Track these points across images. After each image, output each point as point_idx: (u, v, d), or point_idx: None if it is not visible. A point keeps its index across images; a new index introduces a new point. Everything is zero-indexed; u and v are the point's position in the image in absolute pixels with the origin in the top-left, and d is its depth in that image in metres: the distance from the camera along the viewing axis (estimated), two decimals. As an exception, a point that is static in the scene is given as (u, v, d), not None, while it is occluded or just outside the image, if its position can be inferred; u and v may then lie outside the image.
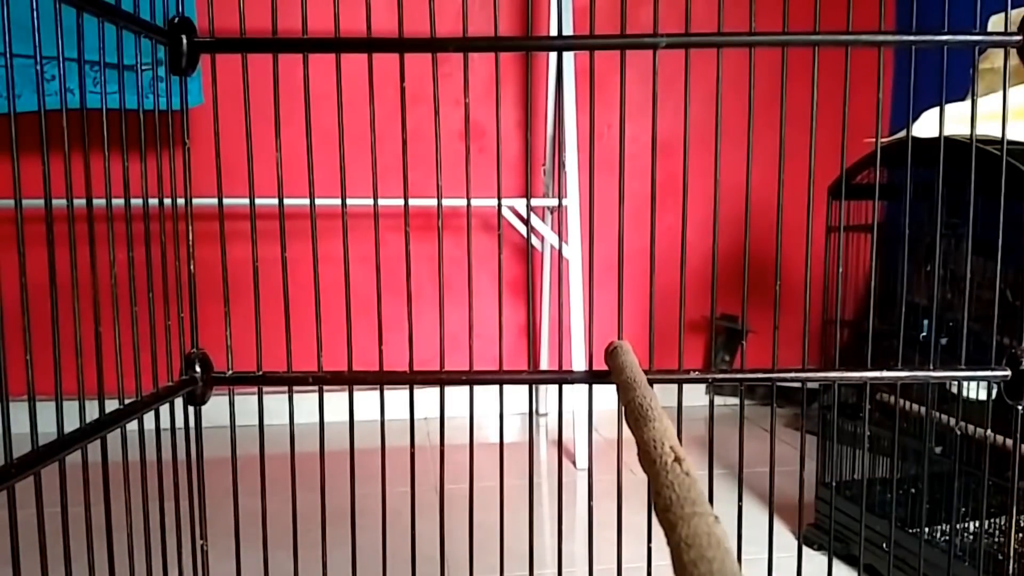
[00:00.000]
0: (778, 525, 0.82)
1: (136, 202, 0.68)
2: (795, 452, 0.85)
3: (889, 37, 0.78)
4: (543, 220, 1.92)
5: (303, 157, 0.76)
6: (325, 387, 0.79)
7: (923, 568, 0.84)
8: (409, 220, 0.78)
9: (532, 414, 0.84)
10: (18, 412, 0.51)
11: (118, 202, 0.64)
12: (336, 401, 0.78)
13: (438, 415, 0.78)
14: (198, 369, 0.78)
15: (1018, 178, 0.85)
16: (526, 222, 1.34)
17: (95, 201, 0.61)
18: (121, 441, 0.65)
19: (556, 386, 0.80)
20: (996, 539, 1.10)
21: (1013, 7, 0.78)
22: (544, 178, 1.97)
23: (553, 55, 1.73)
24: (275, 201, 0.77)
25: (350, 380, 0.78)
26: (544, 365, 1.99)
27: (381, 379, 0.79)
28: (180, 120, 0.76)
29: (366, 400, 0.80)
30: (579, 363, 1.65)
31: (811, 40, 0.76)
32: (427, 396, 0.80)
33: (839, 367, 0.81)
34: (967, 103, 0.80)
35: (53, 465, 0.56)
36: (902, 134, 0.78)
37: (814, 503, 1.29)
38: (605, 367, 0.73)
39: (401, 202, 0.77)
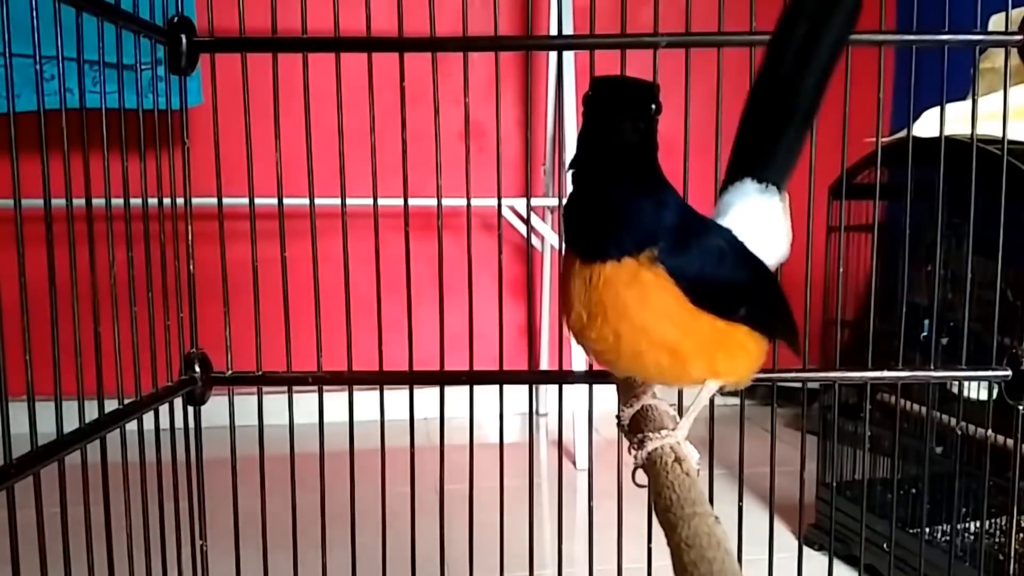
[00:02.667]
0: (778, 525, 0.82)
1: (136, 202, 0.67)
2: (795, 452, 0.85)
3: (890, 36, 0.78)
4: (543, 220, 1.92)
5: (303, 157, 0.76)
6: (325, 387, 0.79)
7: (924, 568, 0.84)
8: (409, 220, 0.78)
9: (532, 414, 0.84)
10: (17, 412, 0.51)
11: (117, 202, 0.64)
12: (336, 401, 0.78)
13: (438, 415, 0.78)
14: (197, 369, 0.78)
15: (1019, 178, 0.85)
16: (526, 222, 1.34)
17: (94, 201, 0.61)
18: (120, 441, 0.65)
19: (556, 386, 0.80)
20: (997, 539, 1.10)
21: (1013, 7, 0.77)
22: (544, 178, 1.97)
23: (553, 54, 1.73)
24: (275, 201, 0.77)
25: (350, 380, 0.78)
26: (544, 365, 1.99)
27: (381, 379, 0.79)
28: (179, 120, 0.76)
29: (366, 400, 0.80)
30: (579, 363, 1.65)
31: (811, 40, 0.75)
32: (427, 396, 0.80)
33: (840, 367, 0.81)
34: (968, 103, 0.80)
35: (52, 465, 0.56)
36: (902, 134, 0.78)
37: (815, 503, 1.28)
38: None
39: (401, 202, 0.77)
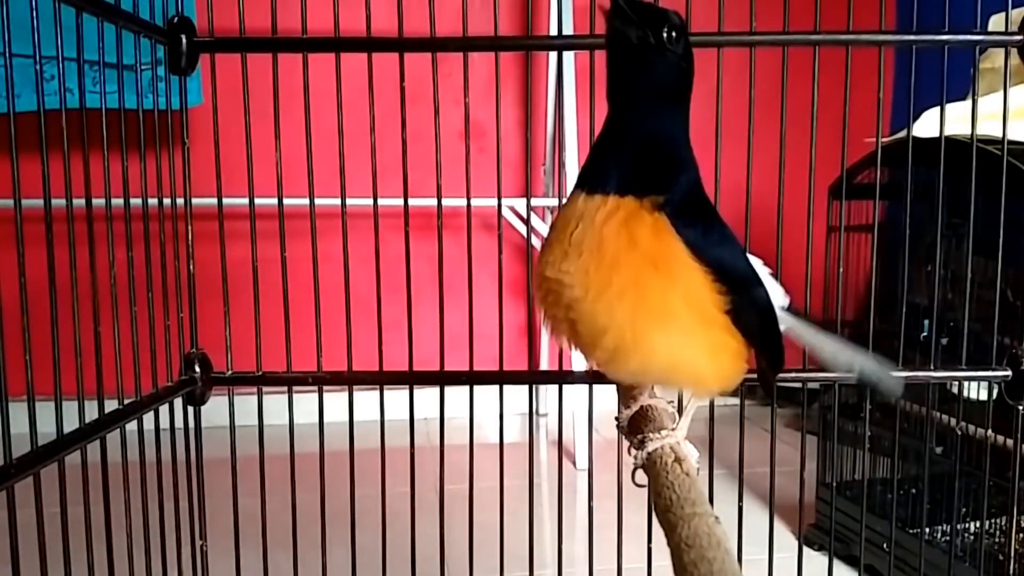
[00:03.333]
0: (778, 525, 0.82)
1: (136, 202, 0.67)
2: (795, 452, 0.85)
3: (890, 37, 0.78)
4: (543, 220, 1.92)
5: (303, 157, 0.76)
6: (325, 387, 0.79)
7: (924, 568, 0.84)
8: (409, 220, 0.78)
9: (532, 414, 0.84)
10: (17, 412, 0.51)
11: (117, 202, 0.64)
12: (336, 401, 0.78)
13: (438, 415, 0.78)
14: (197, 369, 0.77)
15: (1018, 178, 0.85)
16: (526, 222, 1.34)
17: (94, 201, 0.61)
18: (120, 441, 0.65)
19: (556, 386, 0.80)
20: (997, 539, 1.10)
21: (1013, 7, 0.77)
22: (544, 178, 1.97)
23: (553, 54, 1.73)
24: (275, 201, 0.77)
25: (350, 380, 0.78)
26: (544, 365, 1.98)
27: (381, 379, 0.79)
28: (179, 120, 0.76)
29: (366, 400, 0.80)
30: (579, 363, 1.65)
31: (812, 40, 0.76)
32: (427, 396, 0.80)
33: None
34: (968, 103, 0.80)
35: (52, 465, 0.56)
36: (903, 134, 0.78)
37: (815, 503, 1.28)
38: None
39: (401, 202, 0.77)
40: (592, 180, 0.48)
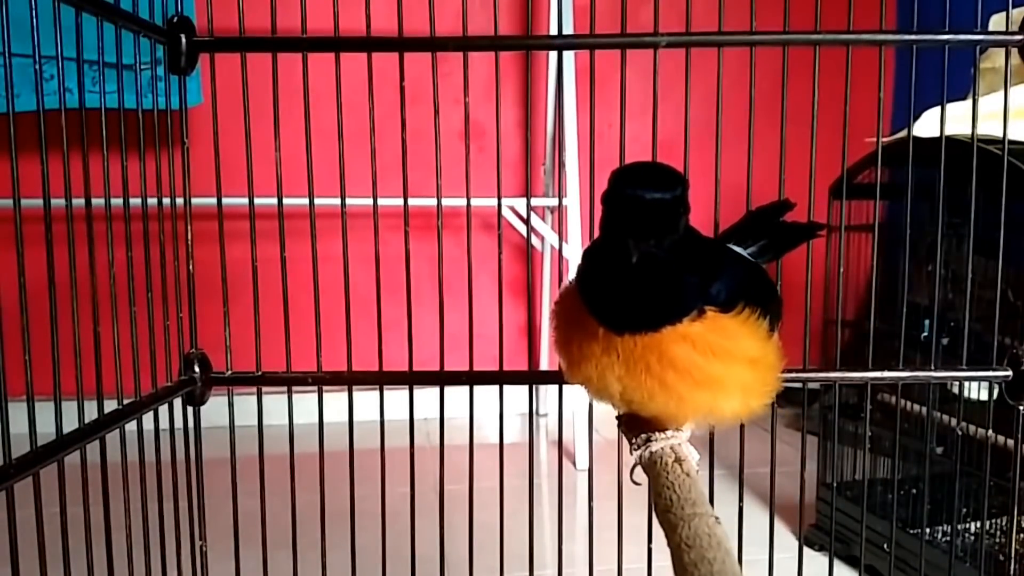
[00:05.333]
0: (779, 526, 0.82)
1: (135, 202, 0.67)
2: (796, 452, 0.85)
3: (890, 36, 0.78)
4: (543, 220, 1.92)
5: (303, 157, 0.76)
6: (324, 387, 0.79)
7: (924, 569, 0.84)
8: (409, 220, 0.78)
9: (532, 414, 0.84)
10: (17, 412, 0.51)
11: (117, 202, 0.64)
12: (336, 401, 0.77)
13: (438, 415, 0.78)
14: (197, 369, 0.77)
15: (1019, 178, 0.85)
16: (526, 222, 1.34)
17: (94, 201, 0.61)
18: (120, 441, 0.65)
19: (556, 386, 0.80)
20: (997, 540, 1.10)
21: (1014, 6, 0.77)
22: (544, 177, 1.97)
23: (553, 54, 1.73)
24: (274, 201, 0.77)
25: (350, 380, 0.78)
26: (544, 365, 1.98)
27: (381, 379, 0.79)
28: (179, 120, 0.76)
29: (366, 400, 0.80)
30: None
31: (812, 39, 0.75)
32: (427, 396, 0.80)
33: (840, 367, 0.81)
34: (968, 102, 0.80)
35: (52, 466, 0.56)
36: (903, 134, 0.78)
37: (815, 504, 1.28)
38: (605, 367, 0.73)
39: (401, 202, 0.77)
40: (634, 322, 0.50)
